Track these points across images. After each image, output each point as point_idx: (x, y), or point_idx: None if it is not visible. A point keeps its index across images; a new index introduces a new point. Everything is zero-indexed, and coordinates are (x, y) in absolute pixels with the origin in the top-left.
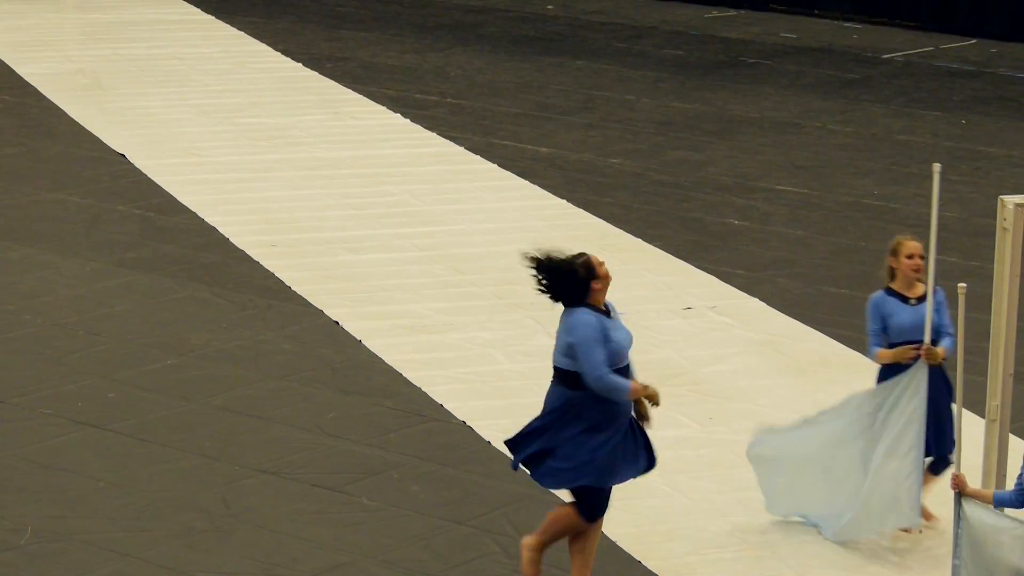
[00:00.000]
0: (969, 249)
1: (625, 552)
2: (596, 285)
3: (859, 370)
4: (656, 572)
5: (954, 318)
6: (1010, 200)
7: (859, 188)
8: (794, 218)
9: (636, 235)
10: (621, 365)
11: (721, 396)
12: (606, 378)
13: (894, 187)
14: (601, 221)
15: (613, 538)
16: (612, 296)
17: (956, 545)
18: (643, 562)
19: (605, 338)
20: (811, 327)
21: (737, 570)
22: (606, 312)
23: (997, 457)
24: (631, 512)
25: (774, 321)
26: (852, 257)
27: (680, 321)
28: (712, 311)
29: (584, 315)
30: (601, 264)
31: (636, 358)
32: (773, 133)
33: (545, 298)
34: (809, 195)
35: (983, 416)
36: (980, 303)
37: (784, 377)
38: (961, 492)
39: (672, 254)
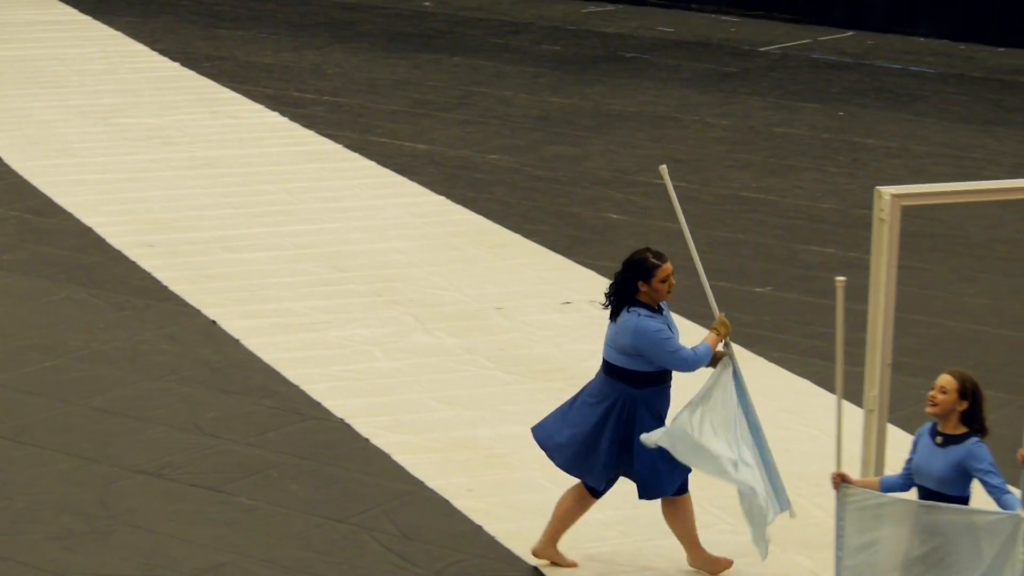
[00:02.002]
0: (847, 240)
1: (504, 547)
2: (643, 287)
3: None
4: (536, 567)
5: (833, 311)
6: (886, 191)
7: (737, 181)
8: (672, 211)
9: (514, 230)
10: None
11: None
12: (691, 357)
13: (772, 180)
14: (479, 217)
15: (492, 533)
16: (488, 291)
17: (839, 537)
18: (522, 557)
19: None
20: (689, 320)
21: (616, 562)
22: (659, 311)
23: (876, 447)
24: (511, 507)
25: None
26: (730, 250)
27: (559, 315)
28: (591, 305)
29: (643, 314)
30: (667, 278)
31: (514, 353)
32: (651, 127)
33: (424, 295)
34: (687, 188)
35: (861, 406)
36: (858, 294)
37: None
38: (847, 481)
39: (550, 249)
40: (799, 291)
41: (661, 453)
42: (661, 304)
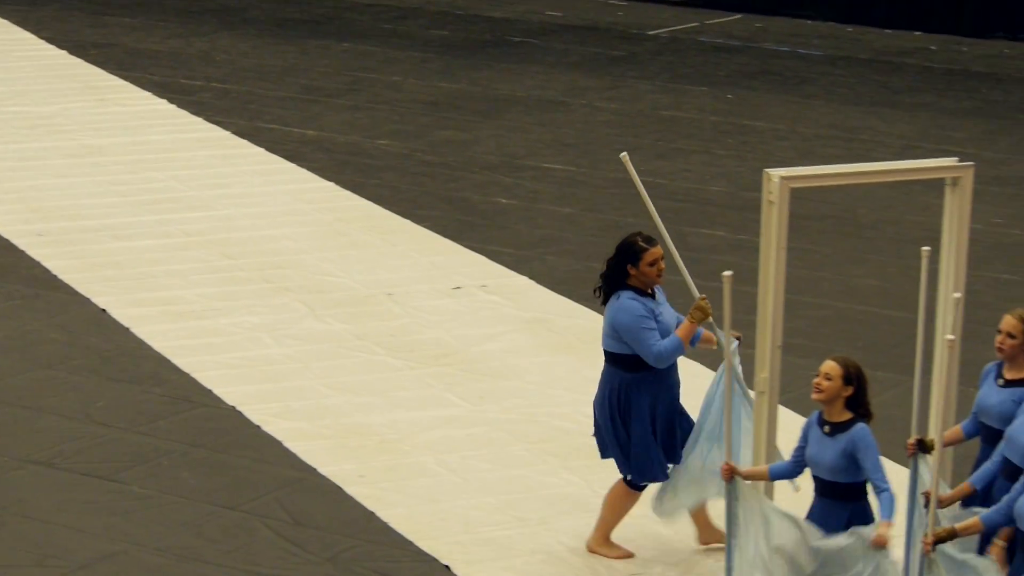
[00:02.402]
0: (736, 223)
1: (397, 533)
2: (632, 271)
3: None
4: (429, 552)
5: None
6: (775, 173)
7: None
8: (561, 196)
9: (404, 216)
10: None
11: (491, 375)
12: (658, 353)
13: (660, 163)
14: (368, 203)
15: (385, 519)
16: (379, 277)
17: (731, 524)
18: (415, 542)
19: (655, 316)
20: (580, 304)
21: (510, 548)
22: (652, 295)
23: (767, 428)
24: (403, 493)
25: (543, 298)
26: (620, 233)
27: (449, 301)
28: (481, 290)
29: (627, 300)
30: (656, 261)
31: (405, 339)
32: (539, 111)
33: (314, 281)
34: (576, 172)
35: (752, 389)
36: (748, 276)
37: (554, 354)
38: (736, 474)
39: (440, 234)
40: (689, 274)
41: (656, 441)
42: (656, 289)
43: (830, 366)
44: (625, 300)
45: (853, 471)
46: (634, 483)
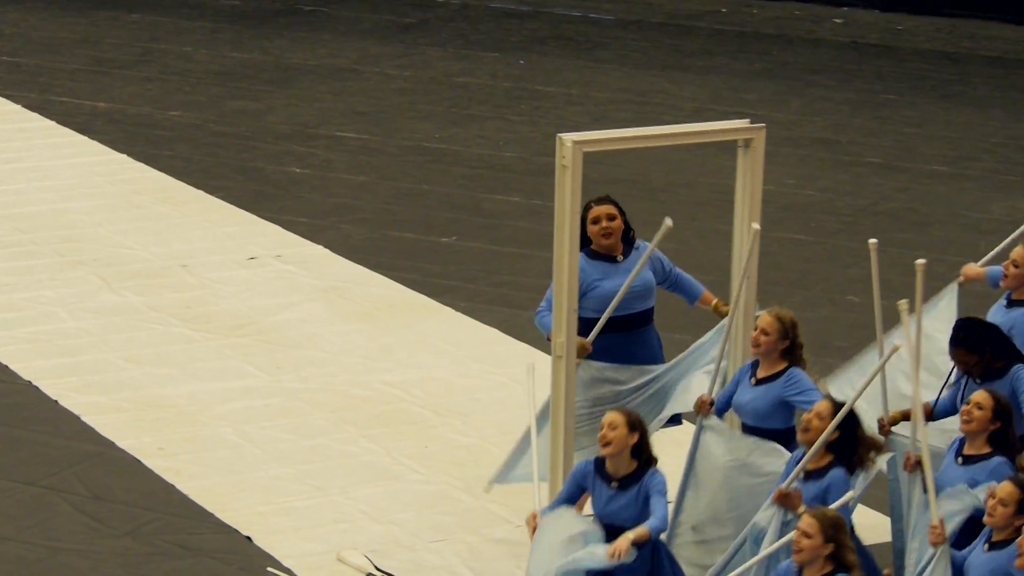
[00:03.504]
0: (530, 188)
1: (198, 505)
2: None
3: (426, 313)
4: (230, 523)
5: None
6: (568, 138)
7: (420, 132)
8: (355, 164)
9: (197, 187)
10: (615, 313)
11: (288, 344)
12: (541, 319)
13: (454, 129)
14: (161, 174)
15: (185, 491)
16: (173, 248)
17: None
18: (216, 514)
19: (586, 285)
20: (376, 272)
21: (311, 517)
22: (612, 258)
23: (566, 392)
24: (202, 465)
25: (339, 267)
26: (415, 201)
27: (245, 271)
28: (277, 260)
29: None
30: (598, 220)
31: (200, 310)
32: (331, 80)
33: (109, 254)
34: (369, 141)
35: (549, 353)
36: (543, 241)
37: (351, 323)
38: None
39: (234, 204)
40: (484, 240)
41: None
42: (640, 249)
43: (767, 321)
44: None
45: (782, 417)
46: None
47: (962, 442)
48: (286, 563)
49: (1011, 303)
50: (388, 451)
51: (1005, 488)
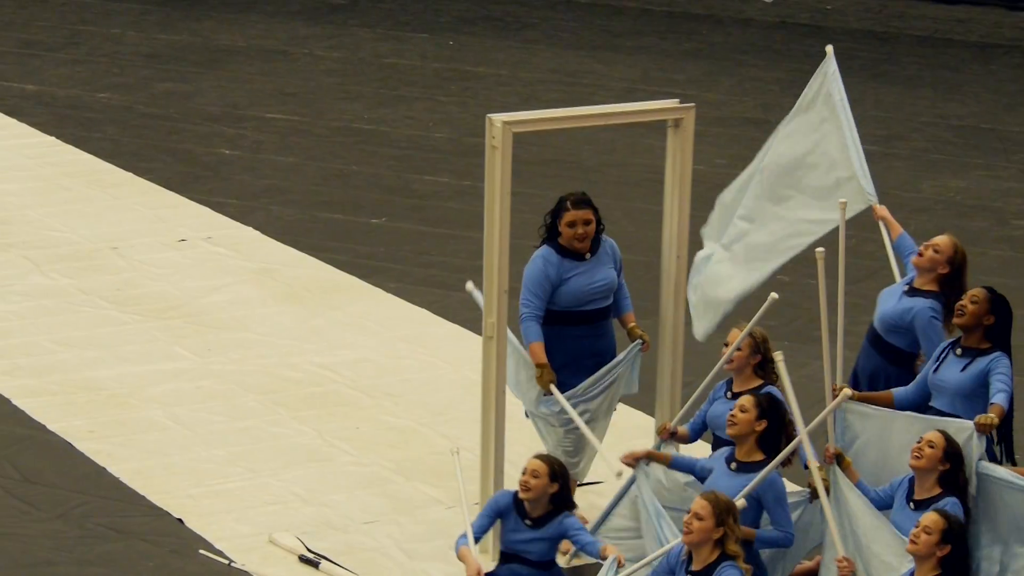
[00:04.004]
0: (460, 169)
1: (129, 488)
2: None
3: (356, 294)
4: (161, 506)
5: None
6: (498, 118)
7: (349, 113)
8: (285, 145)
9: (127, 169)
10: (579, 308)
11: (218, 327)
12: (524, 327)
13: (383, 110)
14: (91, 157)
15: (116, 474)
16: (103, 231)
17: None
18: (147, 497)
19: (557, 280)
20: (306, 253)
21: (243, 499)
22: (580, 256)
23: (496, 373)
24: (132, 448)
25: (269, 249)
26: (344, 182)
27: (175, 253)
28: (206, 242)
29: (543, 251)
30: (574, 224)
31: (131, 292)
32: (260, 61)
33: (39, 237)
34: (299, 122)
35: (480, 334)
36: (473, 222)
37: (281, 304)
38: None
39: (164, 186)
40: (414, 221)
41: None
42: (604, 249)
43: (734, 335)
44: (536, 253)
45: None
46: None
47: (911, 483)
48: (218, 545)
49: (912, 291)
50: (320, 433)
51: (930, 517)
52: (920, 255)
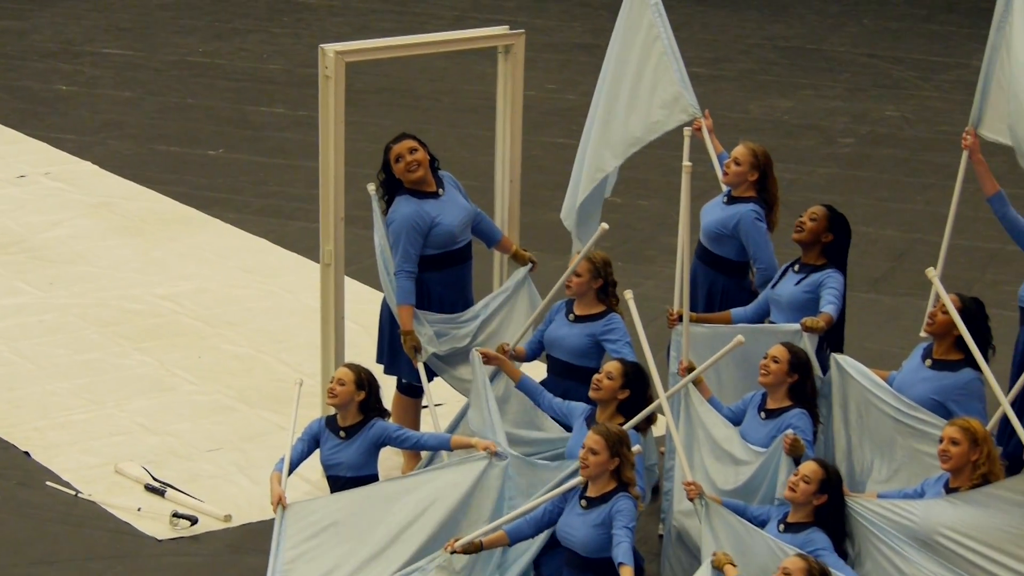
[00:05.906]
0: (295, 99)
1: None
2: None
3: (195, 225)
4: (7, 439)
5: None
6: (330, 48)
7: (183, 47)
8: (121, 80)
9: None
10: (455, 246)
11: (60, 261)
12: (398, 287)
13: (218, 43)
14: None
15: None
16: None
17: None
18: None
19: (429, 224)
20: (144, 186)
21: (88, 431)
22: (433, 193)
23: (335, 300)
24: None
25: (107, 182)
26: (180, 115)
27: (14, 189)
28: (45, 177)
29: (401, 204)
30: (400, 157)
31: None
32: None
33: None
34: (134, 57)
35: (318, 261)
36: (309, 151)
37: (122, 237)
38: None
39: (2, 124)
40: (250, 152)
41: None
42: (446, 181)
43: (584, 266)
44: (400, 201)
45: (594, 357)
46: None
47: (764, 396)
48: (64, 477)
49: (732, 199)
50: (162, 363)
51: (809, 466)
52: (726, 174)
